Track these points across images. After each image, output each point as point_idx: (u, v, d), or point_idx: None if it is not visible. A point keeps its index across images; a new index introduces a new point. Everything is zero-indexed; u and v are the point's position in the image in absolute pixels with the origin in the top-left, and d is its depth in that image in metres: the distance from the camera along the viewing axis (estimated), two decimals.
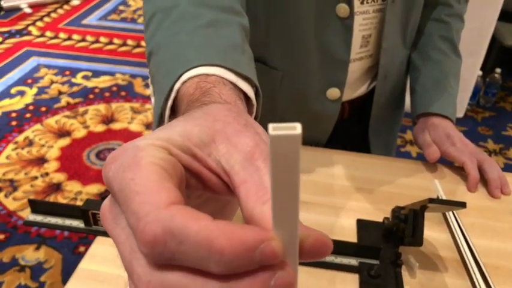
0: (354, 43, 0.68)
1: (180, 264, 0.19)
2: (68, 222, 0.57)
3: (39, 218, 0.58)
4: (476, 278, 0.53)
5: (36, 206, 0.58)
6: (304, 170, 0.69)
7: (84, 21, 3.09)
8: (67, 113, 2.19)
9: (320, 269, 0.54)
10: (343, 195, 0.66)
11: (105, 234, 0.54)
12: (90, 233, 0.56)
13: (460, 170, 0.71)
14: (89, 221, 0.56)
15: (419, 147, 0.74)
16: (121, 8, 3.30)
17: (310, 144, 0.75)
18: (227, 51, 0.38)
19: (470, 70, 2.08)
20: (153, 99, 0.41)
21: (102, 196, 1.71)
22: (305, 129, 0.80)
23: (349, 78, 0.72)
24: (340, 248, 0.55)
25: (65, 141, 2.00)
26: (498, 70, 2.32)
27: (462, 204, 0.48)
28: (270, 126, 0.17)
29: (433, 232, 0.60)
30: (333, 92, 0.72)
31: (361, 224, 0.60)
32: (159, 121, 0.37)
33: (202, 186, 0.25)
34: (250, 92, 0.36)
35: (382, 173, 0.70)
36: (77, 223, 0.57)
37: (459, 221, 0.61)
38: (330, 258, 0.55)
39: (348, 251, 0.55)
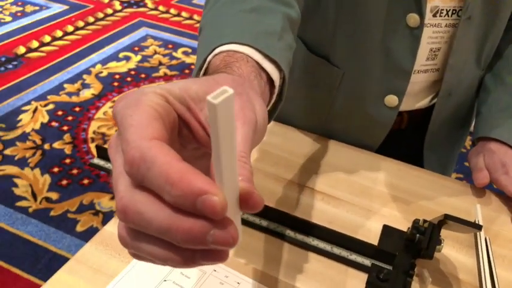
0: (420, 54, 0.68)
1: (149, 188, 0.24)
2: None
3: (101, 162, 0.67)
4: None
5: (101, 151, 0.67)
6: (346, 169, 0.71)
7: (195, 1, 3.28)
8: (162, 82, 2.36)
9: (332, 261, 0.57)
10: (379, 200, 0.67)
11: None
12: None
13: (509, 201, 0.68)
14: None
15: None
16: None
17: (359, 147, 0.76)
18: (261, 35, 0.41)
19: None
20: None
21: None
22: (358, 132, 0.82)
23: (410, 89, 0.72)
24: (357, 246, 0.57)
25: None
26: None
27: (478, 227, 0.48)
28: (208, 97, 0.20)
29: (459, 254, 0.60)
30: (391, 99, 0.72)
31: (386, 230, 0.61)
32: None
33: (192, 136, 0.30)
34: (274, 73, 0.40)
35: (425, 188, 0.70)
36: None
37: (489, 249, 0.59)
38: (345, 254, 0.57)
39: (363, 251, 0.57)
